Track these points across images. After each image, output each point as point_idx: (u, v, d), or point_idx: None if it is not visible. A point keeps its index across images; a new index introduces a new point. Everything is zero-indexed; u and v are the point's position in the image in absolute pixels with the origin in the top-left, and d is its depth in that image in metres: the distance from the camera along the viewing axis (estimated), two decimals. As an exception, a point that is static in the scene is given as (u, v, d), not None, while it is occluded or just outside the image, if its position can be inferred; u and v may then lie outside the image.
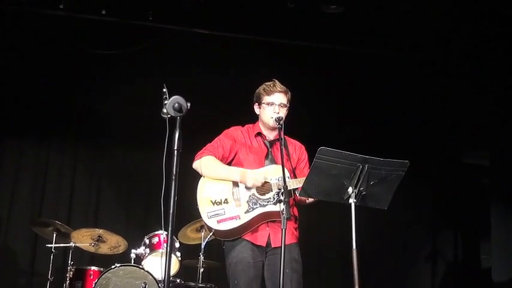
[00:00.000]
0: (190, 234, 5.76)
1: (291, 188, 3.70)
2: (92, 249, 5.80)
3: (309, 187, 3.55)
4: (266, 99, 3.96)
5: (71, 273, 5.55)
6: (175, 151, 3.00)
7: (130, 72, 6.94)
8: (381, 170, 3.49)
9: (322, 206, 4.01)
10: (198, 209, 3.81)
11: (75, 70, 6.86)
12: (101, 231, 5.72)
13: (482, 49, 6.78)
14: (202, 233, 5.52)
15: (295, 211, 3.97)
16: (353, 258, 3.40)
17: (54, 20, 6.50)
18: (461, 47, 6.85)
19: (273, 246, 3.78)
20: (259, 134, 4.04)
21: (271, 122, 3.90)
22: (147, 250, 5.59)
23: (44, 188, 6.91)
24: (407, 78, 7.21)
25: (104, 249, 5.86)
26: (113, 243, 5.81)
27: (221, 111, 6.81)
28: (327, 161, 3.43)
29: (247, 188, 3.81)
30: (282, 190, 3.46)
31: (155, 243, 5.60)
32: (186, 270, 6.12)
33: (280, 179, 3.70)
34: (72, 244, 5.66)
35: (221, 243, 3.91)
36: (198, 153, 3.91)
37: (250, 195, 3.79)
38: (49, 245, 5.70)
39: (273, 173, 3.84)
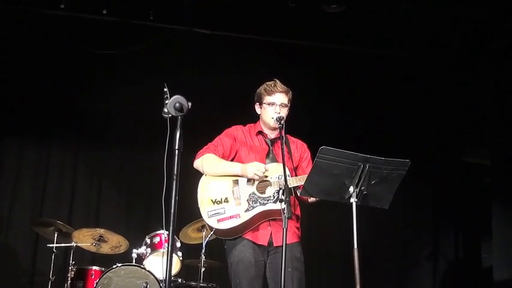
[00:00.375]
0: (191, 234, 5.77)
1: (291, 186, 3.70)
2: (93, 249, 5.80)
3: (310, 186, 3.55)
4: (267, 99, 3.96)
5: (72, 273, 5.55)
6: (177, 151, 3.00)
7: (131, 71, 6.95)
8: (382, 169, 3.49)
9: (323, 206, 4.00)
10: (198, 208, 3.81)
11: (76, 70, 6.87)
12: (102, 230, 5.72)
13: (482, 48, 6.78)
14: (204, 233, 5.53)
15: (298, 210, 3.97)
16: (354, 258, 3.40)
17: (54, 20, 6.51)
18: (461, 46, 6.85)
19: (275, 245, 3.78)
20: (261, 132, 4.04)
21: (272, 122, 3.91)
22: (149, 250, 5.60)
23: (45, 187, 6.90)
24: (408, 77, 7.21)
25: (105, 249, 5.86)
26: (114, 243, 5.81)
27: (222, 110, 6.81)
28: (328, 160, 3.44)
29: (247, 186, 3.81)
30: (283, 189, 3.46)
31: (156, 242, 5.61)
32: (187, 270, 6.12)
33: (280, 177, 3.70)
34: (73, 244, 5.66)
35: (222, 243, 3.91)
36: (199, 152, 3.92)
37: (250, 194, 3.80)
38: (50, 245, 5.70)
39: (273, 171, 3.84)
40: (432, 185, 7.65)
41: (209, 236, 3.92)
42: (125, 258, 5.73)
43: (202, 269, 5.55)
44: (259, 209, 3.77)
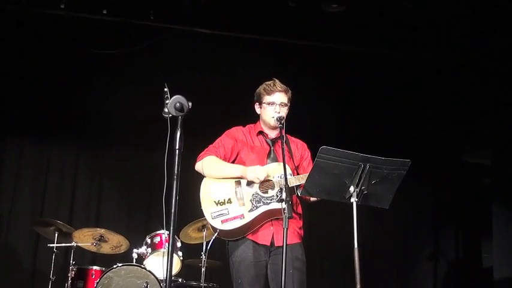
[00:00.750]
0: (191, 234, 5.77)
1: (292, 185, 3.71)
2: (93, 249, 5.80)
3: (310, 186, 3.55)
4: (267, 98, 3.96)
5: (73, 272, 5.55)
6: (177, 150, 3.00)
7: (132, 71, 6.95)
8: (382, 169, 3.49)
9: (323, 205, 4.00)
10: (201, 210, 3.81)
11: (76, 70, 6.87)
12: (102, 230, 5.73)
13: (483, 48, 6.78)
14: (204, 233, 5.52)
15: (300, 209, 3.97)
16: (355, 258, 3.40)
17: (54, 20, 6.51)
18: (462, 46, 6.85)
19: (276, 245, 3.78)
20: (261, 132, 4.04)
21: (273, 122, 3.91)
22: (149, 250, 5.60)
23: (45, 187, 6.91)
24: (408, 77, 7.21)
25: (106, 248, 5.86)
26: (115, 242, 5.82)
27: (222, 110, 6.82)
28: (329, 160, 3.44)
29: (250, 186, 3.81)
30: (284, 188, 3.47)
31: (157, 242, 5.61)
32: (188, 270, 6.12)
33: (282, 176, 3.70)
34: (74, 244, 5.66)
35: (225, 243, 3.90)
36: (200, 155, 3.92)
37: (253, 194, 3.79)
38: (51, 245, 5.70)
39: (275, 170, 3.84)
40: (432, 185, 7.65)
41: (213, 237, 3.90)
42: (125, 258, 5.73)
43: (203, 269, 5.55)
44: (263, 208, 3.76)
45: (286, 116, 3.94)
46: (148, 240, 5.63)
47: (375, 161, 3.47)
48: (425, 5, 6.19)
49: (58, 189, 6.95)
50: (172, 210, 2.93)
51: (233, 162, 3.95)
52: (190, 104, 3.06)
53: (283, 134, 3.79)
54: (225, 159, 3.91)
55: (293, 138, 4.11)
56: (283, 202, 3.43)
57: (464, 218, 7.64)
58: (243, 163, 3.92)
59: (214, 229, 3.80)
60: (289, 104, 3.98)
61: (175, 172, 2.97)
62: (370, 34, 6.72)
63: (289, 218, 3.39)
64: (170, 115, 3.04)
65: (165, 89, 3.06)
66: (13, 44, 6.68)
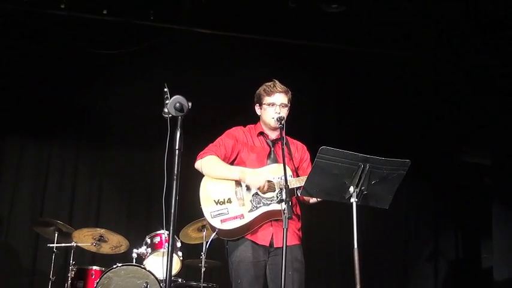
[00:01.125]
0: (191, 234, 5.77)
1: (292, 187, 3.71)
2: (93, 249, 5.80)
3: (310, 186, 3.55)
4: (267, 99, 3.96)
5: (73, 272, 5.55)
6: (177, 150, 3.00)
7: (132, 71, 6.95)
8: (382, 169, 3.49)
9: (323, 206, 4.00)
10: (201, 209, 3.81)
11: (76, 70, 6.87)
12: (102, 230, 5.73)
13: (483, 47, 6.78)
14: (204, 233, 5.52)
15: (298, 210, 3.97)
16: (354, 258, 3.40)
17: (55, 20, 6.51)
18: (462, 46, 6.85)
19: (275, 246, 3.78)
20: (262, 133, 4.04)
21: (273, 122, 3.91)
22: (149, 250, 5.60)
23: (45, 187, 6.90)
24: (408, 77, 7.21)
25: (106, 248, 5.86)
26: (115, 242, 5.82)
27: (222, 110, 6.81)
28: (328, 160, 3.44)
29: (249, 187, 3.81)
30: (284, 189, 3.47)
31: (157, 242, 5.61)
32: (188, 270, 6.12)
33: (282, 177, 3.70)
34: (73, 244, 5.66)
35: (224, 243, 3.90)
36: (200, 153, 3.91)
37: (253, 194, 3.79)
38: (51, 245, 5.71)
39: (275, 172, 3.84)
40: (432, 185, 7.66)
41: (212, 237, 3.90)
42: (125, 258, 5.73)
43: (203, 269, 5.55)
44: (263, 209, 3.76)
45: (286, 117, 3.94)
46: (148, 240, 5.63)
47: (375, 161, 3.47)
48: (426, 5, 6.19)
49: (58, 189, 6.95)
50: (172, 210, 2.93)
51: (233, 161, 3.95)
52: (190, 104, 3.06)
53: (284, 135, 3.79)
54: (225, 158, 3.91)
55: (293, 140, 4.11)
56: (283, 202, 3.43)
57: (464, 218, 7.64)
58: (243, 163, 3.92)
59: (214, 228, 3.79)
60: (289, 105, 3.98)
61: (175, 172, 2.97)
62: (370, 34, 6.71)
63: (289, 218, 3.39)
64: (170, 115, 3.04)
65: (165, 89, 3.06)
66: (13, 44, 6.67)
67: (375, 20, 6.47)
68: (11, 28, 6.56)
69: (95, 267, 5.59)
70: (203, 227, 5.52)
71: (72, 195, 6.96)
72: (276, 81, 4.00)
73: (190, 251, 5.94)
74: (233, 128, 4.07)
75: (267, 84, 4.01)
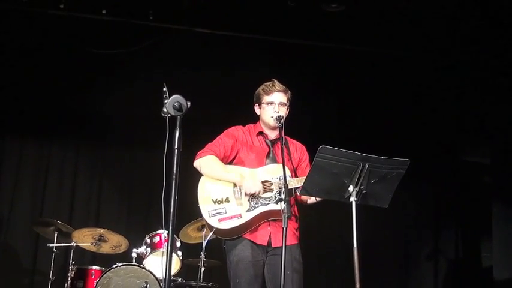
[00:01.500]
0: (191, 233, 5.77)
1: (291, 187, 3.71)
2: (93, 249, 5.80)
3: (309, 186, 3.55)
4: (266, 99, 3.97)
5: (73, 272, 5.55)
6: (176, 150, 3.00)
7: (131, 71, 6.94)
8: (382, 168, 3.49)
9: (322, 205, 4.00)
10: (199, 208, 3.81)
11: (76, 70, 6.87)
12: (102, 230, 5.73)
13: (483, 46, 6.78)
14: (204, 232, 5.52)
15: (296, 211, 3.97)
16: (354, 257, 3.40)
17: (54, 20, 6.50)
18: (462, 44, 6.84)
19: (273, 246, 3.78)
20: (261, 133, 4.04)
21: (272, 122, 3.91)
22: (148, 249, 5.60)
23: (45, 187, 6.91)
24: (408, 76, 7.21)
25: (105, 248, 5.86)
26: (114, 242, 5.82)
27: (222, 110, 6.81)
28: (328, 159, 3.44)
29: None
30: (283, 189, 3.47)
31: (156, 242, 5.61)
32: (188, 269, 6.12)
33: (281, 177, 3.71)
34: (73, 244, 5.67)
35: (222, 242, 3.91)
36: (199, 152, 3.91)
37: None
38: (50, 245, 5.71)
39: (273, 171, 3.84)
40: (432, 184, 7.65)
41: (209, 236, 3.91)
42: (125, 257, 5.73)
43: (202, 269, 5.55)
44: (261, 209, 3.77)
45: (286, 117, 3.94)
46: (148, 240, 5.63)
47: (374, 160, 3.47)
48: (425, 4, 6.19)
49: (58, 189, 6.96)
50: (172, 210, 2.93)
51: (232, 161, 3.95)
52: (189, 103, 3.06)
53: (283, 135, 3.79)
54: (224, 157, 3.91)
55: (292, 141, 4.11)
56: (282, 202, 3.43)
57: (464, 217, 7.63)
58: (241, 163, 3.92)
59: (211, 227, 3.80)
60: (288, 104, 3.99)
61: (175, 172, 2.97)
62: (369, 34, 6.71)
63: (288, 217, 3.39)
64: (169, 115, 3.04)
65: (164, 89, 3.06)
66: (13, 44, 6.68)
67: (375, 19, 6.47)
68: (10, 28, 6.56)
69: (94, 267, 5.59)
70: (203, 226, 5.52)
71: (72, 195, 6.97)
72: (275, 81, 4.01)
73: (190, 251, 5.94)
74: (232, 128, 4.07)
75: (266, 83, 4.02)
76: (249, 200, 3.79)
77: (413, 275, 7.59)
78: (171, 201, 2.93)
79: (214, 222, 3.75)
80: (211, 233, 3.84)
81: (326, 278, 7.24)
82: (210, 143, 3.96)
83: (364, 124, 7.34)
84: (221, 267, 5.05)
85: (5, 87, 6.76)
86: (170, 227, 2.93)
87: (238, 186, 3.79)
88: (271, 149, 3.99)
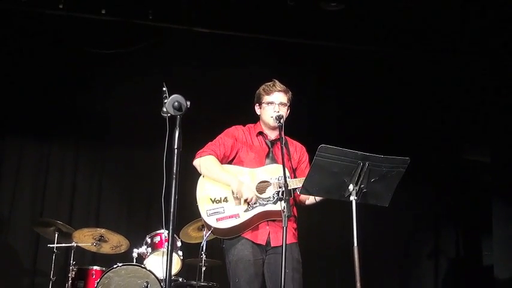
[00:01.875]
0: (191, 233, 5.77)
1: (291, 188, 3.70)
2: (93, 249, 5.80)
3: (309, 185, 3.55)
4: (266, 98, 3.97)
5: (73, 273, 5.55)
6: (176, 150, 3.00)
7: (131, 71, 6.94)
8: (382, 167, 3.49)
9: (323, 204, 4.00)
10: (197, 207, 3.81)
11: (75, 69, 6.87)
12: (102, 230, 5.73)
13: (483, 45, 6.77)
14: (204, 232, 5.51)
15: (295, 211, 3.97)
16: (354, 256, 3.40)
17: (53, 20, 6.51)
18: (462, 43, 6.84)
19: (272, 245, 3.78)
20: (261, 133, 4.04)
21: (272, 121, 3.91)
22: (149, 249, 5.59)
23: (45, 187, 6.91)
24: (408, 75, 7.21)
25: (106, 248, 5.87)
26: (115, 242, 5.82)
27: (221, 109, 6.82)
28: (328, 158, 3.43)
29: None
30: (283, 189, 3.47)
31: (157, 242, 5.60)
32: (188, 269, 6.12)
33: (280, 178, 3.71)
34: (74, 244, 5.67)
35: (221, 242, 3.91)
36: (199, 152, 3.91)
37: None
38: (51, 245, 5.71)
39: (273, 172, 3.84)
40: (432, 183, 7.64)
41: (207, 235, 3.91)
42: (125, 257, 5.73)
43: (203, 268, 5.55)
44: (259, 209, 3.77)
45: (287, 117, 3.94)
46: (148, 240, 5.63)
47: (374, 159, 3.47)
48: (426, 3, 6.18)
49: (58, 189, 6.96)
50: (172, 210, 2.93)
51: (232, 160, 3.95)
52: (188, 103, 3.05)
53: (283, 135, 3.79)
54: (224, 157, 3.91)
55: (292, 141, 4.11)
56: (283, 201, 3.43)
57: (464, 215, 7.63)
58: (241, 162, 3.92)
59: (209, 227, 3.80)
60: (288, 104, 3.98)
61: (174, 171, 2.96)
62: (369, 32, 6.71)
63: (288, 217, 3.39)
64: (169, 114, 3.04)
65: (164, 89, 3.06)
66: (12, 44, 6.68)
67: (374, 18, 6.47)
68: (9, 28, 6.56)
69: (95, 267, 5.59)
70: (203, 226, 5.49)
71: (72, 195, 6.97)
72: (276, 81, 4.01)
73: (190, 250, 5.94)
74: (233, 127, 4.07)
75: (267, 83, 4.02)
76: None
77: (414, 274, 7.58)
78: (171, 201, 2.93)
79: (212, 221, 3.75)
80: (210, 232, 3.83)
81: (326, 277, 7.23)
82: (210, 143, 3.96)
83: (364, 123, 7.33)
84: (222, 266, 5.04)
85: (5, 87, 6.76)
86: (170, 227, 2.93)
87: (231, 190, 3.78)
88: (271, 149, 3.99)
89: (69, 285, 5.52)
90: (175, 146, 3.00)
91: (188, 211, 4.39)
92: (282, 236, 3.38)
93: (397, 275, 7.49)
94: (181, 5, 6.36)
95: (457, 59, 7.11)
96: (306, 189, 3.58)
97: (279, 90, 3.96)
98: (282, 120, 3.82)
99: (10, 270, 6.65)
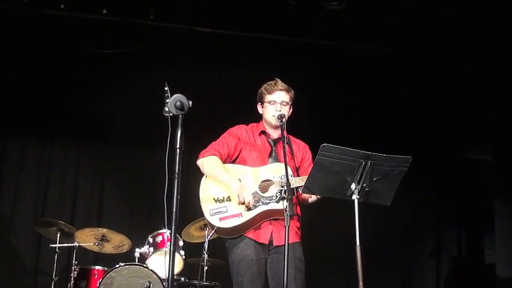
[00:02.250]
0: (194, 233, 5.77)
1: (293, 187, 3.70)
2: (96, 249, 5.80)
3: (311, 184, 3.54)
4: (268, 97, 3.97)
5: (75, 272, 5.55)
6: (178, 149, 2.99)
7: (132, 71, 6.95)
8: (384, 166, 3.48)
9: (324, 204, 4.00)
10: (200, 207, 3.81)
11: (77, 69, 6.87)
12: (104, 230, 5.73)
13: (484, 44, 6.77)
14: (206, 231, 5.52)
15: (298, 210, 3.97)
16: (357, 255, 3.40)
17: (55, 20, 6.51)
18: (463, 42, 6.83)
19: (275, 244, 3.78)
20: (264, 132, 4.04)
21: (274, 120, 3.91)
22: (151, 249, 5.59)
23: (47, 187, 6.92)
24: (409, 74, 7.20)
25: (108, 248, 5.87)
26: (117, 242, 5.82)
27: (223, 109, 6.81)
28: (330, 157, 3.43)
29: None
30: (285, 188, 3.47)
31: (159, 241, 5.60)
32: (191, 269, 6.12)
33: (283, 177, 3.70)
34: (76, 244, 5.67)
35: (224, 241, 3.91)
36: (202, 152, 3.92)
37: (252, 193, 3.79)
38: (53, 245, 5.71)
39: (275, 171, 3.84)
40: (434, 182, 7.64)
41: (210, 234, 3.91)
42: (127, 257, 5.73)
43: (205, 268, 5.56)
44: (262, 208, 3.76)
45: (289, 116, 3.94)
46: (151, 240, 5.63)
47: (376, 158, 3.46)
48: (427, 2, 6.18)
49: (60, 189, 6.96)
50: (174, 209, 2.93)
51: (235, 159, 3.96)
52: (190, 102, 3.05)
53: (285, 135, 3.79)
54: (227, 157, 3.91)
55: (295, 139, 4.11)
56: (285, 200, 3.43)
57: (466, 214, 7.63)
58: (244, 162, 3.92)
59: (212, 226, 3.80)
60: (290, 103, 3.98)
61: (177, 171, 2.96)
62: (370, 31, 6.70)
63: (291, 216, 3.39)
64: (171, 114, 3.04)
65: (166, 88, 3.06)
66: (13, 44, 6.68)
67: (375, 17, 6.46)
68: (11, 28, 6.56)
69: (97, 267, 5.59)
70: (205, 225, 5.52)
71: (74, 195, 6.98)
72: (278, 80, 4.01)
73: (192, 250, 5.94)
74: (236, 127, 4.07)
75: (269, 83, 4.03)
76: (249, 199, 3.79)
77: (416, 273, 7.59)
78: (173, 201, 2.93)
79: (215, 221, 3.76)
80: (213, 231, 3.83)
81: (329, 277, 7.23)
82: (213, 142, 3.96)
83: (366, 121, 7.33)
84: (224, 266, 5.06)
85: (6, 87, 6.76)
86: (173, 226, 2.92)
87: (231, 192, 3.77)
88: (274, 148, 3.99)
89: (72, 285, 5.51)
90: (178, 146, 2.99)
91: (190, 211, 4.40)
92: (284, 235, 3.38)
93: (399, 274, 7.49)
94: (182, 4, 6.36)
95: (457, 58, 7.10)
96: (308, 188, 3.58)
97: (281, 89, 3.96)
98: (283, 119, 3.82)
99: (12, 270, 6.66)
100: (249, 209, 3.75)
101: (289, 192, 3.46)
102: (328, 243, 7.15)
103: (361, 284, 3.37)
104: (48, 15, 6.48)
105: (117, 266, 5.23)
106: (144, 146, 7.03)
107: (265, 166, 3.89)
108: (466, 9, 6.27)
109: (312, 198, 3.90)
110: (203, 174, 3.89)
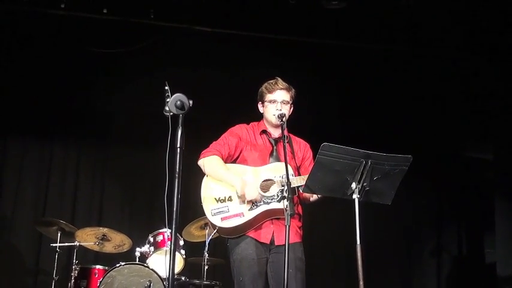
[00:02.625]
0: (194, 232, 5.77)
1: (294, 186, 3.70)
2: (96, 248, 5.81)
3: (312, 183, 3.54)
4: (268, 97, 3.97)
5: (76, 272, 5.55)
6: (178, 149, 2.99)
7: (133, 70, 6.95)
8: (384, 165, 3.48)
9: (325, 203, 3.99)
10: (202, 207, 3.81)
11: (77, 69, 6.87)
12: (105, 229, 5.73)
13: (484, 44, 6.76)
14: (207, 231, 5.52)
15: (300, 209, 3.96)
16: (357, 254, 3.40)
17: (55, 20, 6.51)
18: (464, 41, 6.83)
19: (276, 244, 3.78)
20: (264, 131, 4.04)
21: (274, 119, 3.91)
22: (152, 248, 5.59)
23: (47, 187, 6.93)
24: (410, 73, 7.20)
25: (109, 247, 5.87)
26: (118, 241, 5.83)
27: (224, 108, 6.82)
28: (330, 156, 3.43)
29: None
30: (286, 187, 3.47)
31: (159, 241, 5.60)
32: (191, 268, 6.12)
33: (284, 176, 3.70)
34: (76, 243, 5.67)
35: (225, 241, 3.91)
36: (203, 152, 3.91)
37: (255, 191, 3.79)
38: (53, 244, 5.71)
39: (276, 170, 3.83)
40: (435, 181, 7.64)
41: (212, 234, 3.91)
42: (128, 256, 5.73)
43: (206, 267, 5.56)
44: (263, 207, 3.76)
45: (290, 115, 3.94)
46: (151, 239, 5.63)
47: (377, 157, 3.46)
48: (426, 2, 6.17)
49: (60, 188, 6.97)
50: (175, 209, 2.93)
51: (236, 159, 3.95)
52: (191, 102, 3.05)
53: (285, 134, 3.79)
54: (229, 156, 3.91)
55: (296, 138, 4.11)
56: (285, 199, 3.43)
57: (467, 213, 7.63)
58: (245, 161, 3.92)
59: (214, 226, 3.80)
60: (291, 102, 3.98)
61: (177, 170, 2.96)
62: (371, 31, 6.70)
63: (291, 215, 3.39)
64: (171, 113, 3.04)
65: (166, 87, 3.05)
66: (14, 44, 6.68)
67: (376, 16, 6.46)
68: (11, 28, 6.56)
69: (98, 266, 5.59)
70: (206, 224, 5.52)
71: (75, 195, 6.98)
72: (279, 79, 4.00)
73: (193, 249, 5.94)
74: (236, 126, 4.07)
75: (269, 82, 4.02)
76: (251, 199, 3.79)
77: (417, 272, 7.59)
78: (174, 200, 2.92)
79: (216, 220, 3.76)
80: (214, 231, 3.84)
81: (329, 276, 7.23)
82: (214, 142, 3.95)
83: (367, 121, 7.33)
84: (225, 265, 5.06)
85: (6, 87, 6.76)
86: (173, 226, 2.92)
87: (236, 191, 3.77)
88: (275, 147, 3.99)
89: (72, 284, 5.52)
90: (178, 145, 2.99)
91: (191, 210, 4.40)
92: (285, 234, 3.38)
93: (399, 273, 7.49)
94: (182, 4, 6.36)
95: (458, 57, 7.10)
96: (309, 187, 3.58)
97: (281, 88, 3.95)
98: (284, 119, 3.82)
99: (13, 269, 6.67)
100: (251, 208, 3.75)
101: (290, 192, 3.45)
102: (329, 243, 7.14)
103: (361, 283, 3.37)
104: (49, 14, 6.47)
105: (117, 265, 5.23)
106: (145, 146, 7.03)
107: (266, 165, 3.89)
108: (467, 8, 6.26)
109: (313, 197, 3.89)
110: (204, 174, 3.88)
